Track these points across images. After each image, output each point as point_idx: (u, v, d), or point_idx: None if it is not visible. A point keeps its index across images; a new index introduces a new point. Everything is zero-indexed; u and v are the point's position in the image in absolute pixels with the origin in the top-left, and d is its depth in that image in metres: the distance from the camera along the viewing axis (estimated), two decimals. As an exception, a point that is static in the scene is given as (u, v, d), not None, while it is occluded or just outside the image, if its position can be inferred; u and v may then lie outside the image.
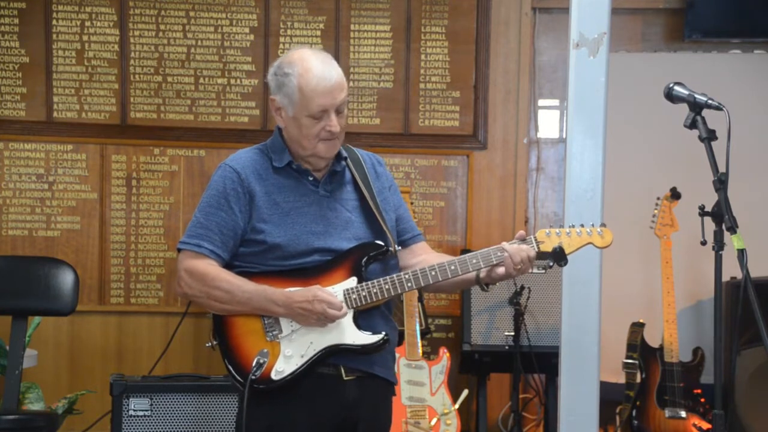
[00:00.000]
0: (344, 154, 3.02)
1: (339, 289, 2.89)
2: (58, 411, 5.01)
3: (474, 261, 2.90)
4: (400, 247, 3.03)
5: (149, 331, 5.84)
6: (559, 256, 2.90)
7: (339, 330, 2.88)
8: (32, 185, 5.83)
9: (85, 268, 5.74)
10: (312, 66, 2.86)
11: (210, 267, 2.90)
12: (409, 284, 2.90)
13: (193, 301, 2.99)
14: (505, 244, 2.89)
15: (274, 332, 2.89)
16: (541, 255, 2.93)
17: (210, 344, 2.95)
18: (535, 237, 2.91)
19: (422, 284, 2.91)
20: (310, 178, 2.97)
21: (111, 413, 4.38)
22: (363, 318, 2.91)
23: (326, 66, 2.88)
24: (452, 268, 2.90)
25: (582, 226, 2.95)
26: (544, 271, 5.20)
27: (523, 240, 2.91)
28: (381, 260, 2.95)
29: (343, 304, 2.86)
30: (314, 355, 2.87)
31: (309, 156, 2.94)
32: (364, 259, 2.91)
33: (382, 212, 2.99)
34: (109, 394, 4.37)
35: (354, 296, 2.89)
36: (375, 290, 2.89)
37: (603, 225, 2.97)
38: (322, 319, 2.84)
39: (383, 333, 2.91)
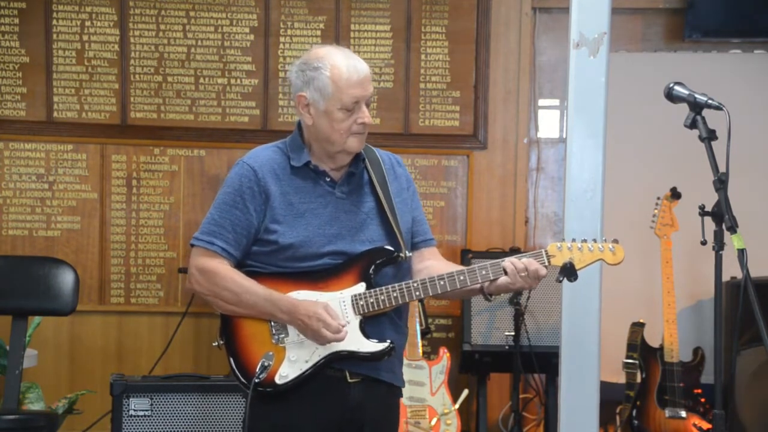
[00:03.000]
0: (362, 155, 2.99)
1: (347, 294, 2.88)
2: (58, 411, 5.01)
3: (483, 272, 2.88)
4: (411, 253, 3.00)
5: (149, 331, 5.83)
6: (569, 272, 2.86)
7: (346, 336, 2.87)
8: (32, 185, 5.83)
9: (85, 268, 5.73)
10: (341, 59, 2.92)
11: (221, 266, 2.90)
12: (418, 293, 2.88)
13: (202, 299, 2.99)
14: (512, 258, 2.87)
15: (281, 336, 2.88)
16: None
17: (217, 343, 2.95)
18: (546, 251, 2.89)
19: (430, 293, 2.89)
20: (327, 179, 2.95)
21: (111, 413, 4.37)
22: (370, 325, 2.89)
23: (353, 59, 2.94)
24: (461, 278, 2.88)
25: (594, 241, 2.91)
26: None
27: (534, 255, 2.88)
28: (392, 265, 2.93)
29: (344, 329, 2.84)
30: (318, 361, 2.87)
31: (337, 152, 2.92)
32: (374, 265, 2.89)
33: (397, 215, 2.96)
34: (109, 394, 4.36)
35: (362, 302, 2.87)
36: (383, 298, 2.87)
37: (615, 241, 2.93)
38: (317, 336, 2.83)
39: (389, 341, 2.90)
